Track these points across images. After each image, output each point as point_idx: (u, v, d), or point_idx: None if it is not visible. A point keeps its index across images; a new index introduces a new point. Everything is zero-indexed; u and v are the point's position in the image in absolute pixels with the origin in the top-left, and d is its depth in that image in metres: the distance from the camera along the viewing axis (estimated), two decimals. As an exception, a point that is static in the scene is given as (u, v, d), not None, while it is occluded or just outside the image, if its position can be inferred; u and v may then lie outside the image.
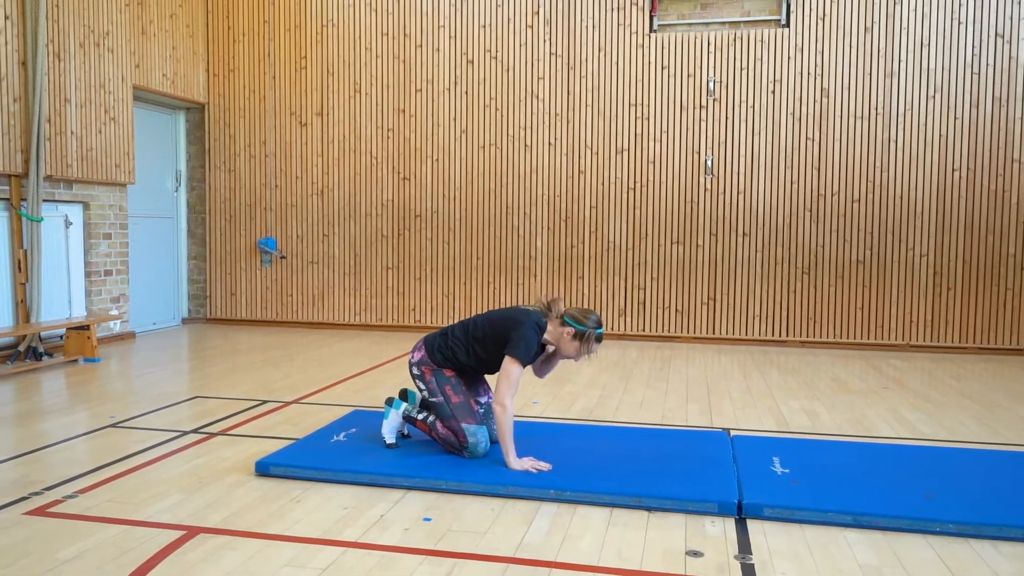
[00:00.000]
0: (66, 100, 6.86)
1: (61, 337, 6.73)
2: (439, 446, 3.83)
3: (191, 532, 2.90)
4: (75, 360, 6.46)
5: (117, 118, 7.45)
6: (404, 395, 4.06)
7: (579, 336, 3.54)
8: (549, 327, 3.62)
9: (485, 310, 8.16)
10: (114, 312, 7.54)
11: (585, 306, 8.02)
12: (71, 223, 7.15)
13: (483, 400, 3.91)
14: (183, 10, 8.33)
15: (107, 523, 2.98)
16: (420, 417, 3.87)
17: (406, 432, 4.04)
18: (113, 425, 4.44)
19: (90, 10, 7.10)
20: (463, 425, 3.65)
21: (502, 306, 8.18)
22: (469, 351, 3.72)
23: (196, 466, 3.70)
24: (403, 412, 3.91)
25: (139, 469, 3.64)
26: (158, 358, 6.77)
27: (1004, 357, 7.25)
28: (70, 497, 3.26)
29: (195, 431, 4.33)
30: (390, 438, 3.86)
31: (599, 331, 3.56)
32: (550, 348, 3.72)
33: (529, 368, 3.75)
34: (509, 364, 3.52)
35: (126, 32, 7.54)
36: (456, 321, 3.93)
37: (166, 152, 8.78)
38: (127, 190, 7.76)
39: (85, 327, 6.48)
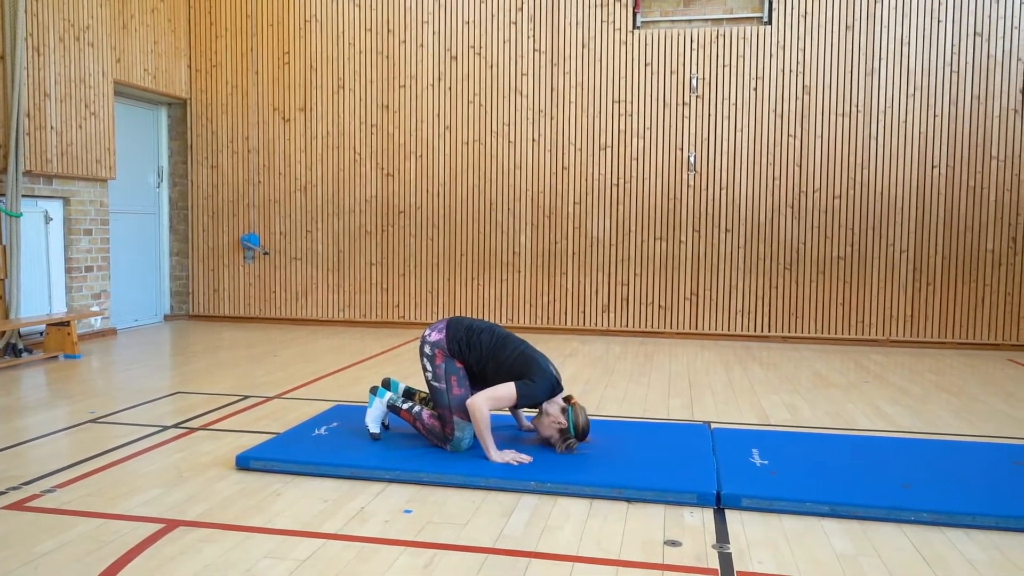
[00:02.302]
0: (45, 95, 6.80)
1: (41, 334, 6.68)
2: (421, 439, 3.84)
3: (170, 525, 2.89)
4: (55, 357, 6.41)
5: (98, 113, 7.39)
6: (387, 384, 4.06)
7: (562, 432, 3.62)
8: (556, 400, 3.65)
9: (470, 306, 8.18)
10: (95, 308, 7.49)
11: (568, 303, 8.05)
12: (51, 219, 7.09)
13: None
14: (165, 5, 8.28)
15: (85, 517, 2.97)
16: (405, 407, 3.86)
17: (387, 423, 4.04)
18: (93, 421, 4.41)
19: (70, 4, 7.04)
20: (455, 418, 3.65)
21: (489, 301, 8.19)
22: (483, 361, 3.70)
23: (176, 460, 3.69)
24: (387, 401, 3.90)
25: (118, 464, 3.63)
26: (139, 354, 6.73)
27: (981, 351, 7.33)
28: (48, 492, 3.24)
29: (176, 426, 4.31)
30: (374, 428, 3.86)
31: (578, 443, 3.64)
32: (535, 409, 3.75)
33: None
34: (509, 387, 3.55)
35: (106, 26, 7.48)
36: (481, 319, 3.86)
37: (148, 148, 8.72)
38: (108, 185, 7.71)
39: (65, 323, 6.43)
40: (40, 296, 6.97)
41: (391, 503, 3.15)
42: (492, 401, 3.54)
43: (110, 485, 3.33)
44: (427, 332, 3.80)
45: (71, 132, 7.08)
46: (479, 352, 3.70)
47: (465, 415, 3.65)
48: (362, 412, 4.28)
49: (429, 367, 3.73)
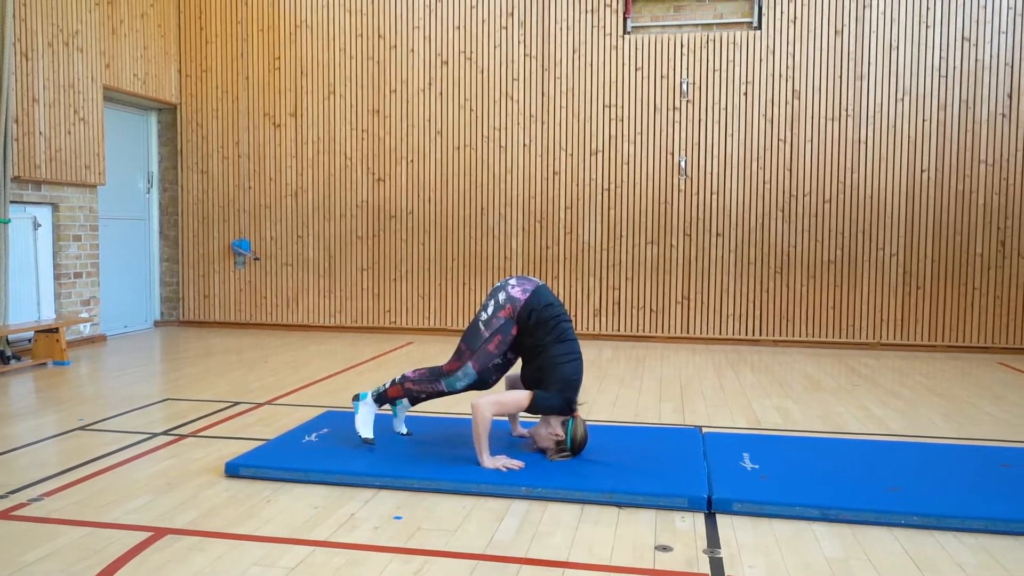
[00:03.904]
0: (34, 100, 6.77)
1: (29, 340, 6.64)
2: (412, 444, 3.82)
3: (158, 533, 2.87)
4: (44, 363, 6.37)
5: (87, 118, 7.36)
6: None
7: (559, 444, 3.61)
8: (562, 418, 3.62)
9: (461, 311, 8.16)
10: (84, 315, 7.44)
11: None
12: (39, 225, 7.05)
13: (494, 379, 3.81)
14: (154, 10, 8.26)
15: (73, 525, 2.95)
16: (389, 385, 3.81)
17: (407, 431, 4.01)
18: (82, 428, 4.38)
19: (58, 9, 7.01)
20: (468, 363, 3.61)
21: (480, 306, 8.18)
22: (534, 344, 3.59)
23: (165, 468, 3.66)
24: (372, 397, 3.83)
25: (107, 471, 3.60)
26: (129, 361, 6.70)
27: (972, 355, 7.36)
28: (35, 500, 3.22)
29: (165, 433, 4.29)
30: (365, 432, 3.79)
31: (571, 456, 3.63)
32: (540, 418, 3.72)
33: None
34: (526, 395, 3.52)
35: (96, 32, 7.45)
36: (562, 304, 3.73)
37: (137, 153, 8.69)
38: (97, 191, 7.67)
39: (54, 330, 6.39)
40: (28, 302, 6.93)
41: (381, 509, 3.14)
42: (498, 406, 3.51)
43: (98, 493, 3.30)
44: (512, 281, 3.67)
45: (60, 138, 7.05)
46: (540, 336, 3.58)
47: (478, 365, 3.61)
48: (354, 417, 4.28)
49: (489, 312, 3.61)
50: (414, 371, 3.77)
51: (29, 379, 5.85)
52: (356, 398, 3.89)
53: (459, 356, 3.65)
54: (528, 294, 3.61)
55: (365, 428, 3.82)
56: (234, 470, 3.51)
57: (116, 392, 5.39)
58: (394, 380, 3.81)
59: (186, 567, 2.60)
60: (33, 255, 6.99)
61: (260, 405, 4.99)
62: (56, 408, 4.90)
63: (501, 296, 3.63)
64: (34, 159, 6.78)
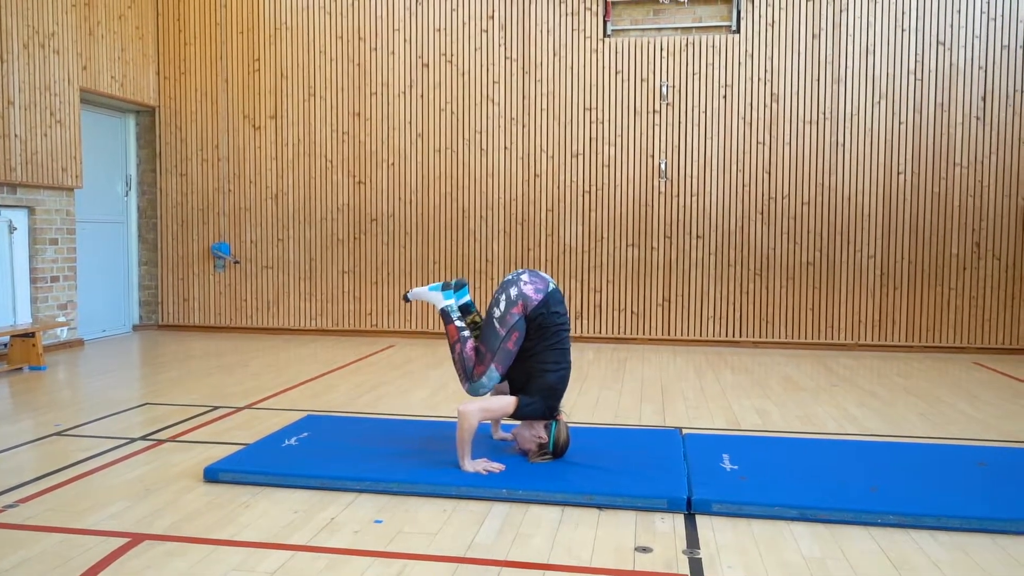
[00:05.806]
0: (9, 102, 6.70)
1: (5, 345, 6.55)
2: (394, 445, 3.81)
3: (136, 539, 2.85)
4: (20, 368, 6.30)
5: (63, 121, 7.29)
6: (459, 287, 3.88)
7: (542, 446, 3.62)
8: (544, 421, 3.62)
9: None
10: (61, 319, 7.36)
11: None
12: (15, 228, 6.97)
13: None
14: (132, 11, 8.19)
15: (49, 532, 2.91)
16: (456, 323, 3.73)
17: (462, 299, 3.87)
18: (58, 433, 4.34)
19: (34, 10, 6.94)
20: (492, 366, 3.58)
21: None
22: (528, 347, 3.58)
23: (143, 473, 3.63)
24: (443, 304, 3.76)
25: (84, 477, 3.56)
26: (107, 365, 6.63)
27: (947, 355, 7.45)
28: (10, 507, 3.18)
29: (143, 438, 4.25)
30: (415, 296, 3.89)
31: (552, 459, 3.63)
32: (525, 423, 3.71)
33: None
34: (511, 401, 3.52)
35: (72, 33, 7.38)
36: (567, 314, 3.69)
37: (116, 156, 8.61)
38: (74, 194, 7.59)
39: (30, 335, 6.32)
40: (4, 307, 6.84)
41: (361, 513, 3.13)
42: (485, 413, 3.51)
43: (75, 499, 3.27)
44: (524, 276, 3.61)
45: (36, 140, 6.98)
46: (536, 340, 3.57)
47: (502, 366, 3.58)
48: (334, 420, 4.28)
49: (502, 308, 3.56)
50: (473, 346, 3.68)
51: (5, 384, 5.78)
52: (446, 287, 3.80)
53: (481, 359, 3.62)
54: (541, 295, 3.58)
55: (420, 294, 3.85)
56: (213, 475, 3.49)
57: (93, 397, 5.33)
58: (462, 329, 3.70)
59: (164, 573, 2.58)
60: (9, 259, 6.90)
61: (240, 409, 4.96)
62: (32, 413, 4.84)
63: (513, 292, 3.59)
64: (10, 162, 6.70)
